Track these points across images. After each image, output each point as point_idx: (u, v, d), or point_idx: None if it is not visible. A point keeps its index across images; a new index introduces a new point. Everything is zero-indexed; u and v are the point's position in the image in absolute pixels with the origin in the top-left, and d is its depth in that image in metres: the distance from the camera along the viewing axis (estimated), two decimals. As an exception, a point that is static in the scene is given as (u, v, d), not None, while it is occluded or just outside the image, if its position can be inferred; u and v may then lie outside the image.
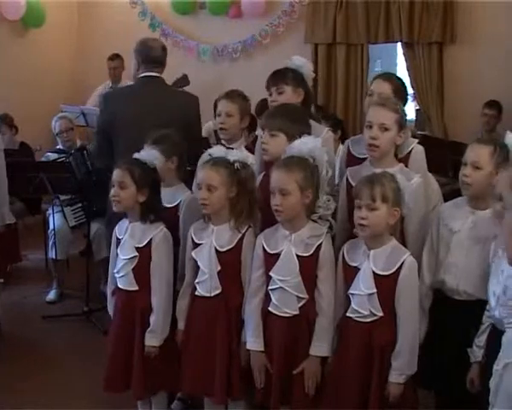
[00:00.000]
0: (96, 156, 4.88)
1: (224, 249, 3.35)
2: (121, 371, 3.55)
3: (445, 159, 5.35)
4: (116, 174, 3.51)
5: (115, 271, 3.58)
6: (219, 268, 3.34)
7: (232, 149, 3.64)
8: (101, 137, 4.57)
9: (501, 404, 1.85)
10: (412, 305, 3.10)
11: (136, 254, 3.50)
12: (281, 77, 3.76)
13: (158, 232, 3.51)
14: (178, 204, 3.72)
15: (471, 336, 3.13)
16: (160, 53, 4.60)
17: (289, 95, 3.72)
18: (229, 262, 3.35)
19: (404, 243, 3.25)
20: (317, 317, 3.20)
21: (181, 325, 3.51)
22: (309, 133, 3.41)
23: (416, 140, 3.67)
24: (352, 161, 3.66)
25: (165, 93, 4.55)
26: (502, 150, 3.17)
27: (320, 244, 3.19)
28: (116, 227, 3.64)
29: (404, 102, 3.75)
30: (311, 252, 3.19)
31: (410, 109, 7.98)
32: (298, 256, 3.18)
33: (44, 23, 8.48)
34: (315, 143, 3.25)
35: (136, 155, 3.60)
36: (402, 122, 3.37)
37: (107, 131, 4.47)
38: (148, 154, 3.59)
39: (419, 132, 7.16)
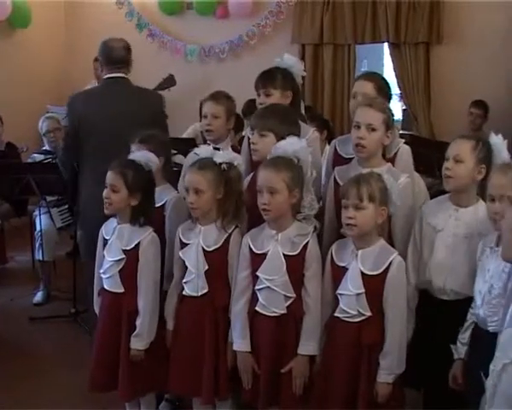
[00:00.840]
0: (63, 159, 4.88)
1: (211, 249, 3.35)
2: (106, 372, 3.53)
3: (432, 159, 5.35)
4: (109, 177, 3.47)
5: (101, 271, 3.56)
6: (207, 268, 3.34)
7: (219, 149, 3.64)
8: (70, 141, 4.57)
9: (499, 405, 1.85)
10: (400, 304, 3.11)
11: (124, 256, 3.47)
12: (269, 80, 3.75)
13: (146, 236, 3.48)
14: (164, 204, 3.71)
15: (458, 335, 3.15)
16: (122, 53, 4.54)
17: (277, 98, 3.71)
18: (217, 262, 3.35)
19: (391, 242, 3.26)
20: (305, 316, 3.20)
21: (170, 324, 3.50)
22: (298, 134, 3.42)
23: (403, 140, 3.68)
24: (338, 160, 3.66)
25: (130, 94, 4.50)
26: (484, 147, 3.20)
27: (306, 243, 3.19)
28: (103, 227, 3.62)
29: (388, 99, 3.75)
30: (298, 251, 3.19)
31: (397, 109, 8.02)
32: (284, 255, 3.18)
33: (31, 23, 8.43)
34: (300, 143, 3.26)
35: (131, 156, 3.57)
36: (389, 122, 3.38)
37: (74, 135, 4.47)
38: (144, 156, 3.55)
39: (406, 132, 7.19)
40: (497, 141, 3.23)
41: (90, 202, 4.38)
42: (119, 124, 4.26)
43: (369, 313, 3.06)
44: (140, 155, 3.57)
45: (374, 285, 3.05)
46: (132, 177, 3.44)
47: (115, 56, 4.51)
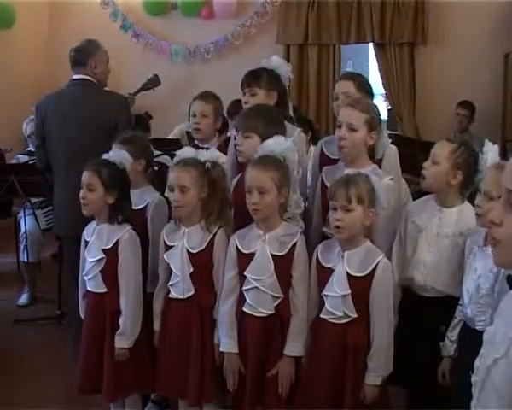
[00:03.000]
0: (36, 158, 4.91)
1: (196, 251, 3.34)
2: (94, 374, 3.51)
3: (416, 158, 5.37)
4: (84, 176, 3.47)
5: (84, 273, 3.55)
6: (191, 270, 3.33)
7: (207, 149, 3.64)
8: (37, 141, 4.64)
9: (488, 400, 1.84)
10: (387, 306, 3.09)
11: (103, 255, 3.46)
12: (254, 79, 3.75)
13: (124, 233, 3.48)
14: (146, 206, 3.71)
15: (441, 333, 3.16)
16: (72, 54, 4.53)
17: (262, 98, 3.72)
18: (202, 263, 3.34)
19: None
20: (292, 317, 3.19)
21: (157, 326, 3.49)
22: (284, 134, 3.41)
23: (389, 140, 3.68)
24: (325, 161, 3.65)
25: (90, 96, 4.48)
26: (466, 152, 3.22)
27: (295, 244, 3.18)
28: (84, 230, 3.61)
29: (371, 97, 3.75)
30: (286, 251, 3.18)
31: (382, 109, 8.04)
32: (272, 256, 3.17)
33: (15, 24, 8.38)
34: (287, 143, 3.25)
35: (105, 156, 3.57)
36: (372, 123, 3.37)
37: (40, 136, 4.52)
38: (118, 155, 3.55)
39: (391, 132, 7.18)
40: (491, 149, 3.18)
41: (56, 202, 4.43)
42: (76, 126, 4.30)
43: (354, 315, 3.04)
44: (113, 154, 3.58)
45: (360, 287, 3.03)
46: (107, 174, 3.45)
47: (70, 58, 4.54)
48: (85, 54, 4.52)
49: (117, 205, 3.48)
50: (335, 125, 3.47)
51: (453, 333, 3.12)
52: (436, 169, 3.23)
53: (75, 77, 4.51)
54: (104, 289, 3.49)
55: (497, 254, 1.75)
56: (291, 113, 4.02)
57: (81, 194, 3.47)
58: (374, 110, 3.42)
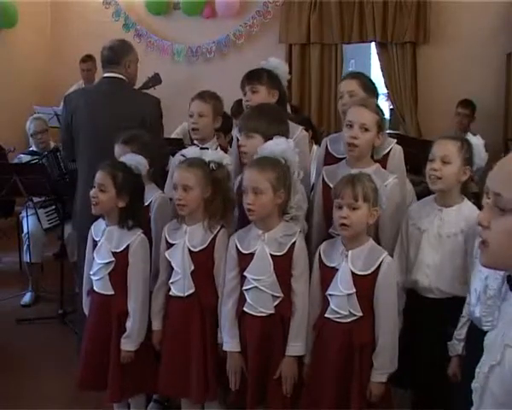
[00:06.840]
0: (63, 151, 4.96)
1: (197, 249, 3.35)
2: (96, 372, 3.52)
3: (419, 157, 5.37)
4: (98, 176, 3.46)
5: (91, 273, 3.55)
6: (193, 268, 3.34)
7: (207, 148, 3.64)
8: (65, 135, 4.58)
9: (487, 406, 1.84)
10: (391, 304, 3.10)
11: (113, 258, 3.46)
12: (256, 76, 3.75)
13: (135, 238, 3.48)
14: (149, 204, 3.71)
15: (449, 333, 3.15)
16: (105, 53, 4.51)
17: (263, 95, 3.71)
18: (203, 262, 3.35)
19: (377, 243, 3.25)
20: (292, 316, 3.19)
21: (155, 325, 3.49)
22: (287, 132, 3.41)
23: (395, 140, 3.68)
24: (330, 160, 3.65)
25: (120, 93, 4.46)
26: (468, 148, 3.25)
27: (293, 243, 3.18)
28: (92, 228, 3.61)
29: (376, 97, 3.76)
30: (285, 251, 3.17)
31: (385, 109, 8.03)
32: (272, 255, 3.17)
33: (17, 24, 8.40)
34: (287, 144, 3.25)
35: (122, 159, 3.57)
36: (381, 124, 3.39)
37: (68, 130, 4.48)
38: (134, 159, 3.55)
39: (393, 132, 7.19)
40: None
41: (81, 201, 4.38)
42: (107, 123, 4.25)
43: (360, 314, 3.04)
44: (130, 157, 3.57)
45: (364, 285, 3.04)
46: (121, 178, 3.44)
47: (102, 56, 4.52)
48: (120, 53, 4.50)
49: (128, 210, 3.47)
50: (338, 124, 3.47)
51: (460, 332, 3.11)
52: (451, 169, 3.22)
53: (107, 75, 4.48)
54: (111, 292, 3.49)
55: (485, 255, 1.78)
56: (289, 111, 4.01)
57: (92, 192, 3.46)
58: (381, 111, 3.45)
